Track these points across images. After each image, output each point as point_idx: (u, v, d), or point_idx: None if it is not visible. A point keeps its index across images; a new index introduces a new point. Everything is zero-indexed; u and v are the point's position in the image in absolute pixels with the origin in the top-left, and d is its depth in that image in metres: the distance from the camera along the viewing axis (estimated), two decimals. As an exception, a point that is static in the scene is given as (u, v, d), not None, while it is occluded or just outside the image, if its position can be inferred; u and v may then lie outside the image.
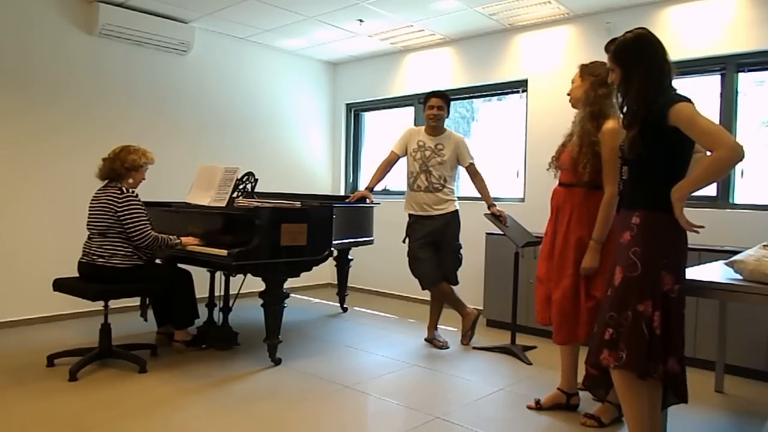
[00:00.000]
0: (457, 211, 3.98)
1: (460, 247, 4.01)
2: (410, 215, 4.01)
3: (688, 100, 2.02)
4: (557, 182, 2.86)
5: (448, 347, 3.95)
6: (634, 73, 2.09)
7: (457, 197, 5.38)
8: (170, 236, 3.38)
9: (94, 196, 3.37)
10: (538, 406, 2.85)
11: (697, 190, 2.03)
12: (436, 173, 3.91)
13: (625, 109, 2.17)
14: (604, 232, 2.58)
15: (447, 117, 4.03)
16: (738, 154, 1.88)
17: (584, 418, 2.67)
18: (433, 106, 3.92)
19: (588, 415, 2.67)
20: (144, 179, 3.49)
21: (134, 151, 3.39)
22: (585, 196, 2.67)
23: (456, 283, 4.01)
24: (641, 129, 2.05)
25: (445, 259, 3.96)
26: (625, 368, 2.04)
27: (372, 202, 4.32)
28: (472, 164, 3.98)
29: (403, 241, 4.03)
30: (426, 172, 3.92)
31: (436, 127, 3.94)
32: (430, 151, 3.92)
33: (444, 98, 3.95)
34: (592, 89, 2.67)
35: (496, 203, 3.92)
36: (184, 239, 3.46)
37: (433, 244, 3.93)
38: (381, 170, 4.11)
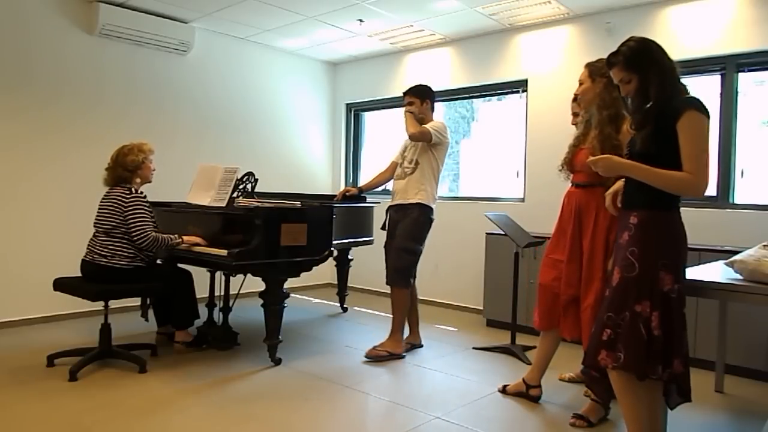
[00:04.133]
0: (422, 206, 3.63)
1: (409, 250, 3.63)
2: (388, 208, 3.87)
3: (705, 112, 2.01)
4: (570, 184, 2.81)
5: (421, 345, 3.90)
6: (651, 75, 2.07)
7: (456, 197, 5.40)
8: (170, 236, 3.39)
9: (104, 195, 3.41)
10: (504, 391, 3.06)
11: (644, 180, 2.04)
12: (409, 156, 3.74)
13: (636, 109, 2.15)
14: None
15: (430, 108, 3.82)
16: (700, 192, 2.01)
17: (573, 418, 2.68)
18: (404, 104, 3.81)
19: (576, 415, 2.68)
20: (154, 169, 3.53)
21: (129, 152, 3.41)
22: None
23: (392, 284, 3.66)
24: (655, 126, 2.05)
25: (386, 255, 3.74)
26: (624, 369, 2.04)
27: (354, 194, 4.13)
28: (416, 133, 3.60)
29: (381, 228, 3.90)
30: (402, 159, 3.81)
31: (420, 122, 3.75)
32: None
33: (412, 93, 3.80)
34: (606, 92, 2.61)
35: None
36: (186, 238, 3.46)
37: None
38: (380, 176, 4.02)
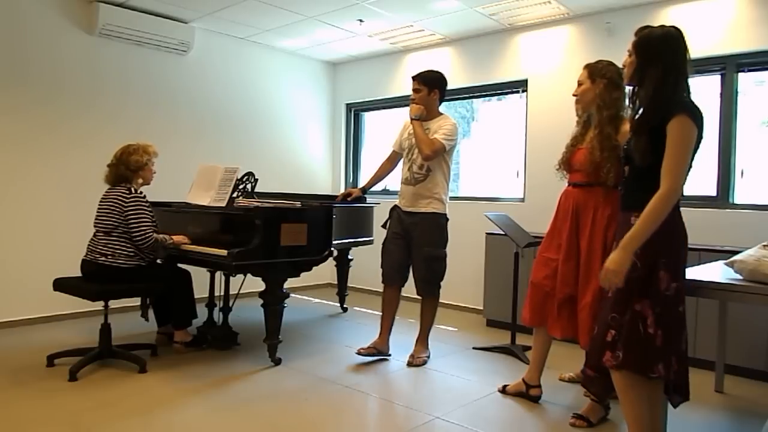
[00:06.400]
0: (437, 214, 3.48)
1: (438, 258, 3.51)
2: (394, 206, 3.69)
3: (695, 118, 1.99)
4: (567, 183, 2.82)
5: (389, 355, 3.68)
6: (651, 68, 2.07)
7: (456, 197, 5.40)
8: (165, 236, 3.40)
9: (103, 196, 3.41)
10: (504, 391, 3.07)
11: (650, 231, 1.98)
12: (418, 161, 3.47)
13: (635, 108, 2.16)
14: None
15: (439, 98, 3.54)
16: (677, 196, 1.98)
17: (573, 418, 2.68)
18: (412, 90, 3.55)
19: (576, 415, 2.68)
20: (155, 172, 3.53)
21: (135, 151, 3.42)
22: (606, 195, 2.63)
23: (426, 296, 3.59)
24: (650, 134, 2.04)
25: (414, 266, 3.56)
26: (623, 368, 2.04)
27: (355, 196, 3.97)
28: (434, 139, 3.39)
29: (382, 226, 3.76)
30: (410, 161, 3.54)
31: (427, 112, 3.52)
32: None
33: (421, 79, 3.51)
34: (607, 92, 2.63)
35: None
36: (176, 238, 3.46)
37: (406, 243, 3.55)
38: (380, 169, 3.85)
